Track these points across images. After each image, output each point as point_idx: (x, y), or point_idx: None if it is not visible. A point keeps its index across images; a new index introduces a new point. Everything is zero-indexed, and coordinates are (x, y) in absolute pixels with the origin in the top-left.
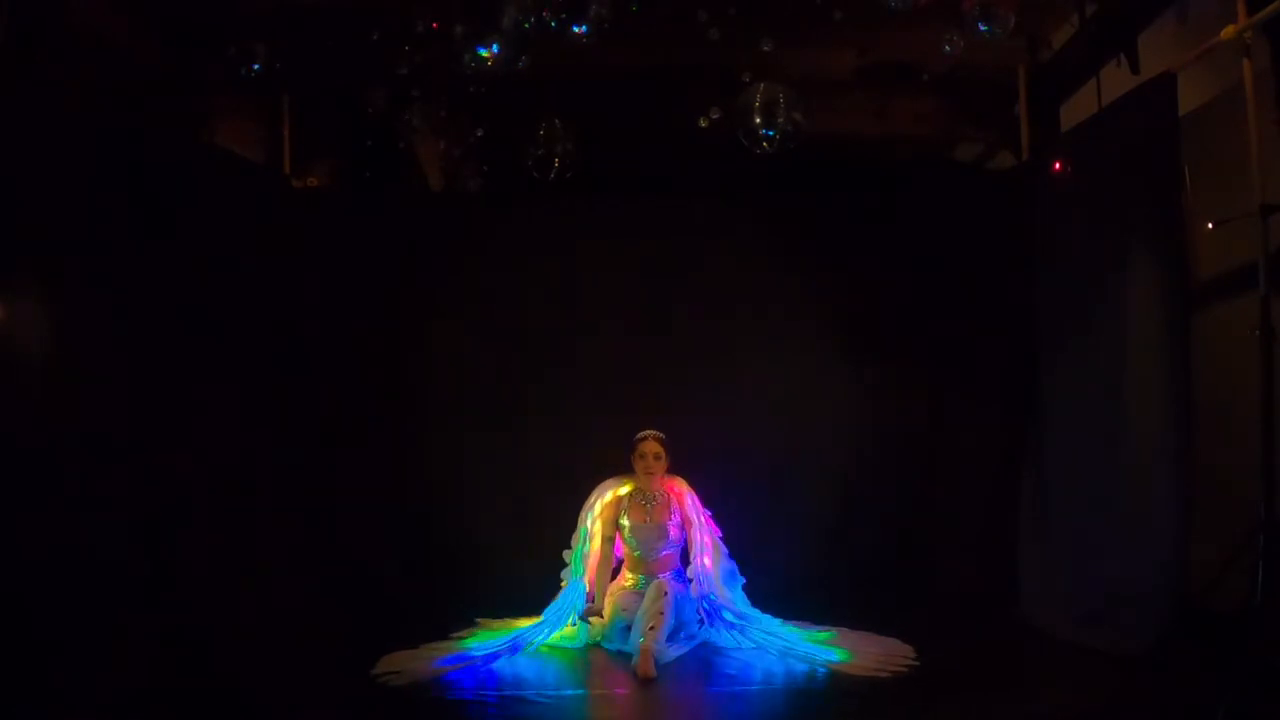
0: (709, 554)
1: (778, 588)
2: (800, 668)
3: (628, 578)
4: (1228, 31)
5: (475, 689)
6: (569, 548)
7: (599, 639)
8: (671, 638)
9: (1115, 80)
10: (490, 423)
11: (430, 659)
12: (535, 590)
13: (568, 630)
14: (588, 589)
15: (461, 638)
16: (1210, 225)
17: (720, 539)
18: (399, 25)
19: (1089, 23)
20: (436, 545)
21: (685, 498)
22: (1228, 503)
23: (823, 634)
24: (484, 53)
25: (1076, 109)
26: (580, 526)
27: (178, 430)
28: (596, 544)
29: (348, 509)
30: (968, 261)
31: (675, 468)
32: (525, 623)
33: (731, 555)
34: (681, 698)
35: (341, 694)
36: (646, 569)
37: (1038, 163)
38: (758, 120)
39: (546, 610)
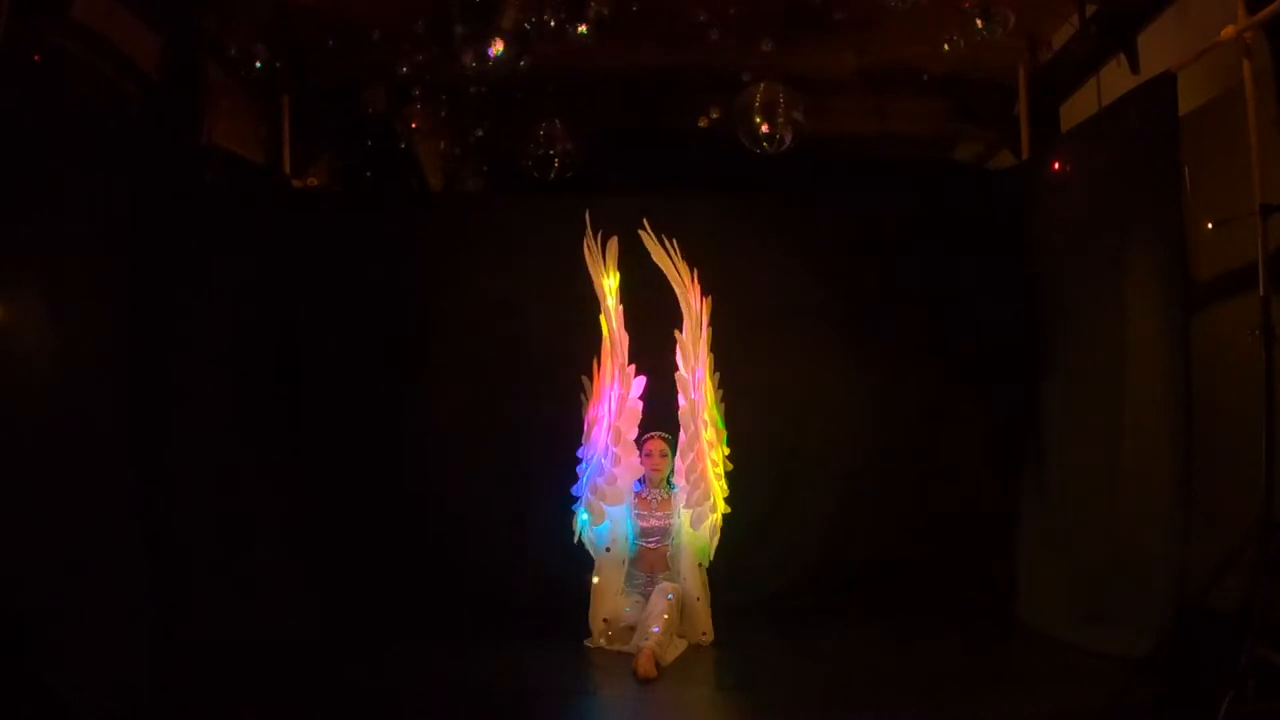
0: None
1: (776, 587)
2: None
3: (633, 576)
4: (1228, 31)
5: None
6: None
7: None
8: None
9: (1115, 80)
10: (490, 422)
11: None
12: (534, 590)
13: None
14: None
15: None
16: (1210, 225)
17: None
18: (399, 25)
19: (1089, 23)
20: (434, 546)
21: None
22: (1228, 503)
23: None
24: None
25: (1076, 109)
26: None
27: (175, 430)
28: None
29: (346, 508)
30: (968, 261)
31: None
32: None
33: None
34: (681, 698)
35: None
36: (650, 566)
37: (1038, 163)
38: (758, 120)
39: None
